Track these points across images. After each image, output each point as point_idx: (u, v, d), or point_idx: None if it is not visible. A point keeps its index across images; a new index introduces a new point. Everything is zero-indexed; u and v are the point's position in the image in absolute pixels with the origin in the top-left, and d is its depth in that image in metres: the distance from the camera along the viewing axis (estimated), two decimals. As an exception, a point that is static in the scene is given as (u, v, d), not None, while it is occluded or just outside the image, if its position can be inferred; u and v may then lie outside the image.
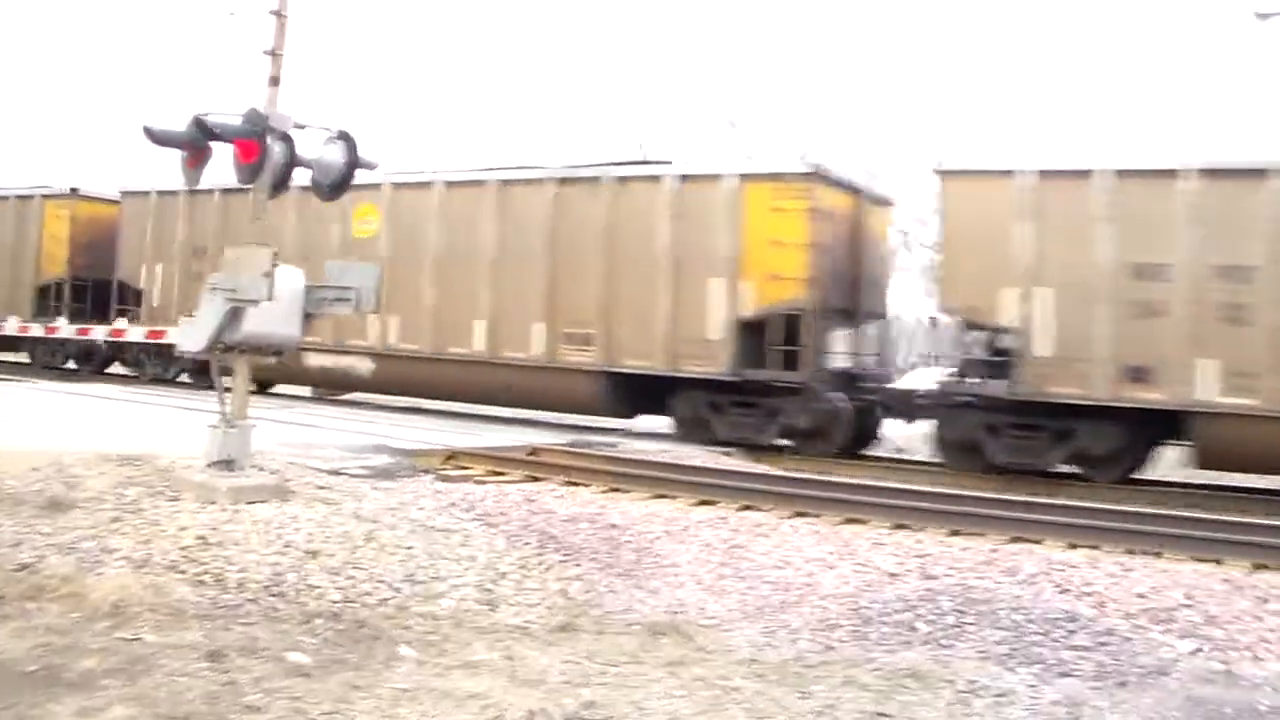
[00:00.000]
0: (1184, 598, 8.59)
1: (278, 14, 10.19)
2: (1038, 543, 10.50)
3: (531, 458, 14.74)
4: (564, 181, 20.60)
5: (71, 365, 27.55)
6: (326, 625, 7.12)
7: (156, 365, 25.38)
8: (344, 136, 10.23)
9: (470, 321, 21.17)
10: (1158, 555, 10.07)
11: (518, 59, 74.10)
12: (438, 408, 23.13)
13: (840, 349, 19.76)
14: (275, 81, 10.09)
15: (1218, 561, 9.87)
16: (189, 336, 9.95)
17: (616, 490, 12.89)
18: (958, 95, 63.62)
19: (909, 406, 18.69)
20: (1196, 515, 12.00)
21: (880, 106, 59.16)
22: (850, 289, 19.61)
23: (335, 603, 7.61)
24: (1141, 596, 8.64)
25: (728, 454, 17.32)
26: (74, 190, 27.60)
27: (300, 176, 10.48)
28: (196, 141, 9.86)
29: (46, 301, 27.31)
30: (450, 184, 21.94)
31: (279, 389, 24.15)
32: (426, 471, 12.96)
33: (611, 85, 66.17)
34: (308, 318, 10.12)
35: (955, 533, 10.93)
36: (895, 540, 10.53)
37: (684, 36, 72.53)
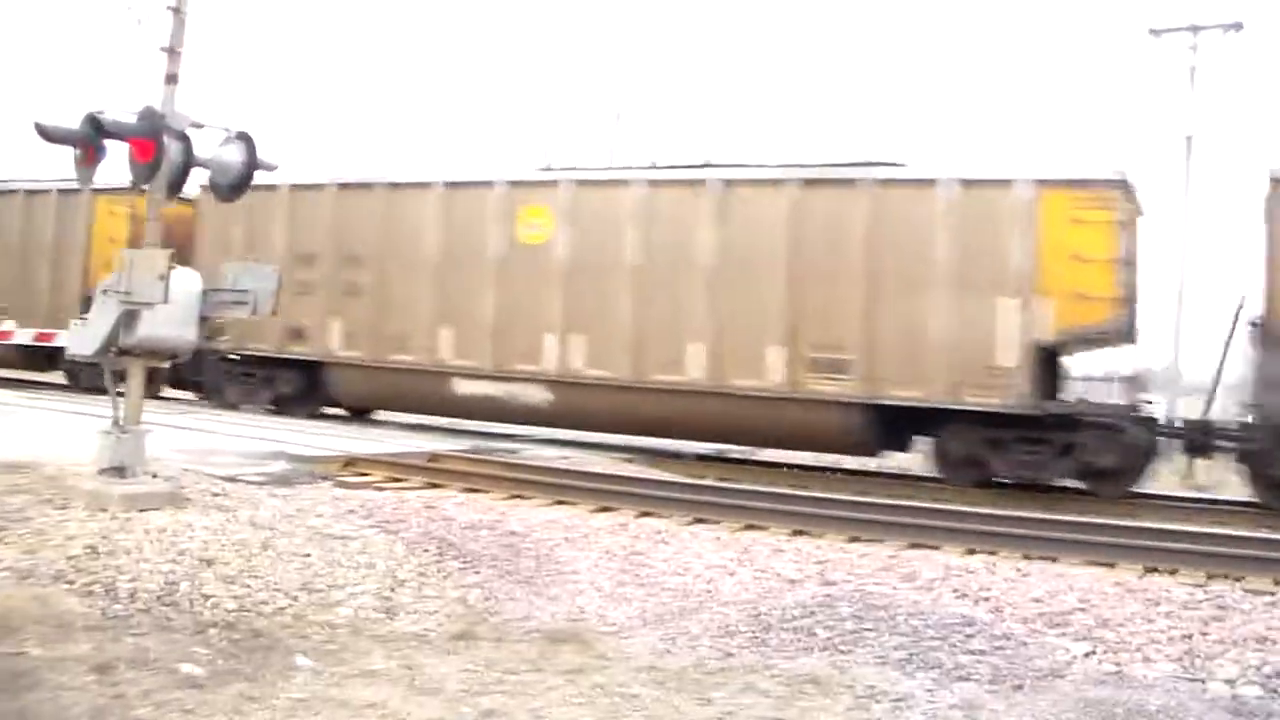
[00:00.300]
0: (1078, 602, 8.77)
1: (175, 10, 10.01)
2: (936, 549, 10.65)
3: (431, 464, 14.64)
4: (809, 183, 17.99)
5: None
6: (221, 635, 7.00)
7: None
8: (243, 137, 10.09)
9: (683, 343, 18.43)
10: (1053, 560, 10.26)
11: (406, 58, 73.76)
12: (335, 413, 22.92)
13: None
14: (172, 79, 9.90)
15: (1111, 566, 10.08)
16: (81, 340, 9.75)
17: (517, 497, 12.85)
18: (848, 92, 64.44)
19: (1205, 439, 16.91)
20: (1091, 520, 12.24)
21: (767, 103, 59.69)
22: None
23: (230, 612, 7.48)
24: (1037, 601, 8.80)
25: (628, 460, 17.34)
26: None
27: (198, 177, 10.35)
28: (90, 139, 9.66)
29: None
30: (654, 183, 19.22)
31: (171, 393, 23.50)
32: (325, 478, 12.81)
33: (496, 78, 66.16)
34: (204, 321, 9.95)
35: (854, 539, 11.04)
36: (795, 546, 10.62)
37: (571, 30, 72.72)
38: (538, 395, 19.63)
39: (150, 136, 9.63)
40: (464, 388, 20.18)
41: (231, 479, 11.33)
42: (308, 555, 8.80)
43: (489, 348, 19.86)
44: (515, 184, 20.33)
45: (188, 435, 14.98)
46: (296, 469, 13.07)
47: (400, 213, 21.20)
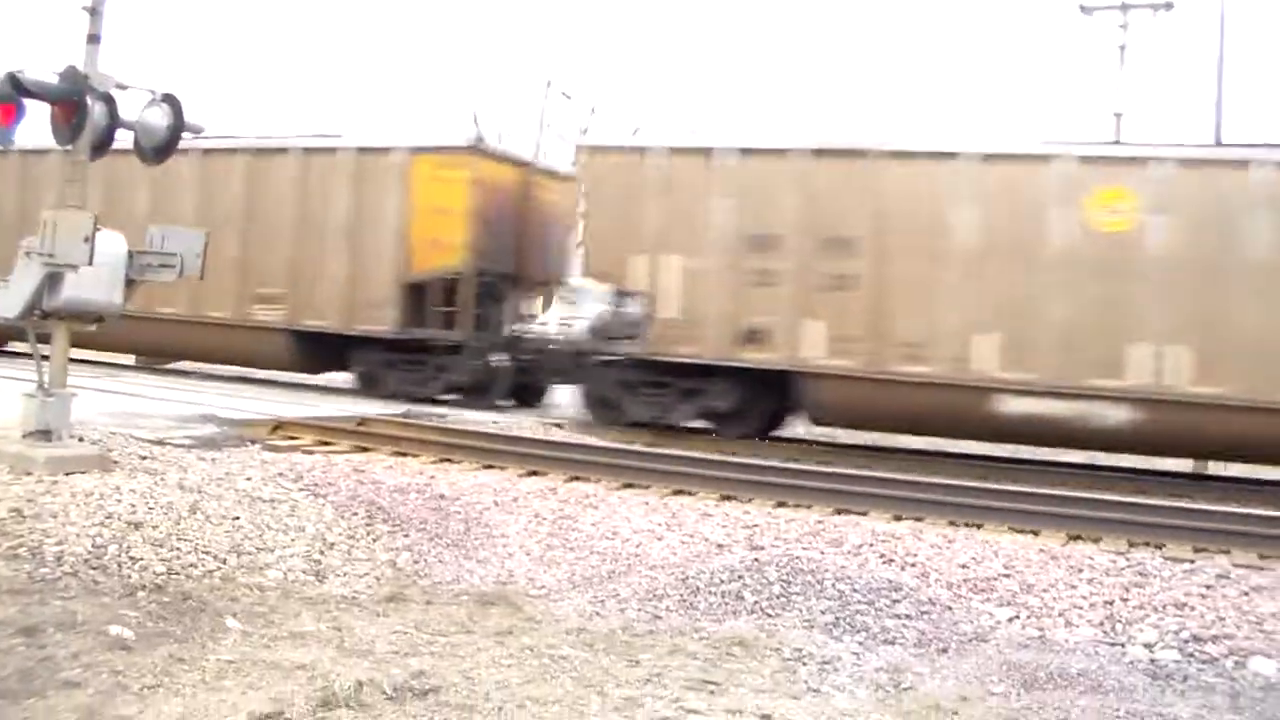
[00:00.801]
0: (1003, 568, 8.98)
1: (97, -30, 9.87)
2: (863, 515, 10.81)
3: (360, 428, 14.61)
4: None
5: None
6: (150, 598, 6.98)
7: None
8: (169, 99, 9.98)
9: None
10: (979, 527, 10.47)
11: (348, 30, 72.89)
12: (265, 377, 22.75)
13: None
14: (95, 40, 9.76)
15: (1035, 533, 10.31)
16: (3, 303, 9.62)
17: (446, 461, 12.89)
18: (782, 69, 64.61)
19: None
20: (1017, 489, 12.47)
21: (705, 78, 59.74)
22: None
23: (159, 575, 7.45)
24: (963, 567, 8.99)
25: (558, 425, 17.39)
26: (477, 144, 20.29)
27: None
28: (9, 98, 9.50)
29: (422, 304, 20.26)
30: None
31: (101, 356, 23.07)
32: (253, 442, 12.76)
33: (441, 55, 65.58)
34: (130, 284, 9.85)
35: (782, 504, 11.19)
36: (723, 511, 10.74)
37: (513, 8, 72.15)
38: (1118, 416, 16.15)
39: (73, 98, 9.51)
40: (1011, 406, 16.66)
41: (159, 442, 11.26)
42: (236, 518, 8.78)
43: (1050, 358, 16.24)
44: (1086, 160, 16.64)
45: (115, 399, 14.83)
46: (225, 432, 13.00)
47: (909, 188, 17.05)
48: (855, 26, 69.54)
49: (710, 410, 18.37)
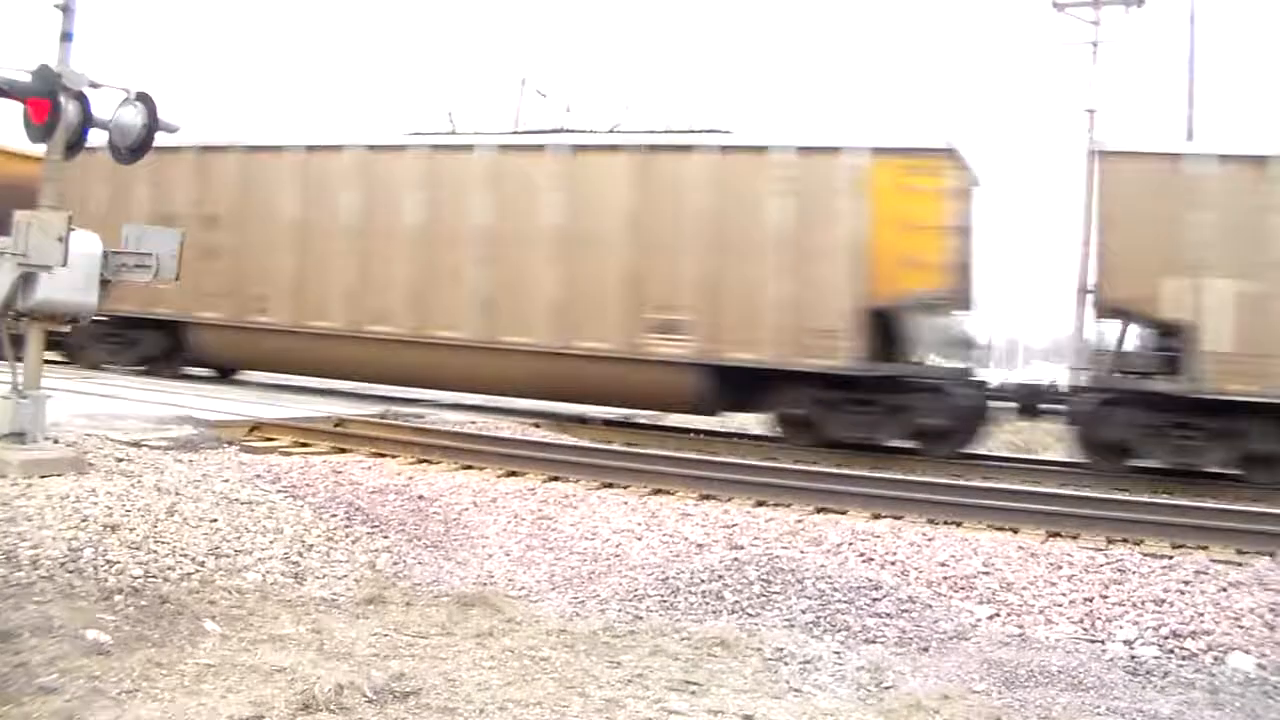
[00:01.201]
0: (983, 565, 8.99)
1: (69, -35, 9.79)
2: (842, 513, 10.82)
3: (338, 429, 14.57)
4: None
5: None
6: (127, 602, 6.93)
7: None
8: (143, 98, 9.91)
9: None
10: (958, 525, 10.48)
11: (322, 27, 72.74)
12: (244, 378, 22.65)
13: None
14: (67, 38, 9.68)
15: (1014, 530, 10.32)
16: (-28, 303, 9.54)
17: (424, 461, 12.86)
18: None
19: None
20: (995, 486, 12.50)
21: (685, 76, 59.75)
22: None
23: (136, 578, 7.39)
24: (943, 565, 9.00)
25: (536, 425, 17.36)
26: (949, 148, 16.65)
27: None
28: (-19, 96, 9.45)
29: (883, 334, 17.20)
30: None
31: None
32: (230, 443, 12.68)
33: (416, 53, 65.49)
34: (105, 284, 9.79)
35: (761, 503, 11.19)
36: (702, 511, 10.73)
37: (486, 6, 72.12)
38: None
39: (45, 96, 9.43)
40: None
41: (136, 444, 11.18)
42: (214, 521, 8.72)
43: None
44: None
45: (90, 400, 14.73)
46: (202, 434, 12.91)
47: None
48: (833, 21, 69.72)
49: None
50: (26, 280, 9.17)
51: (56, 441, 9.79)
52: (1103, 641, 7.59)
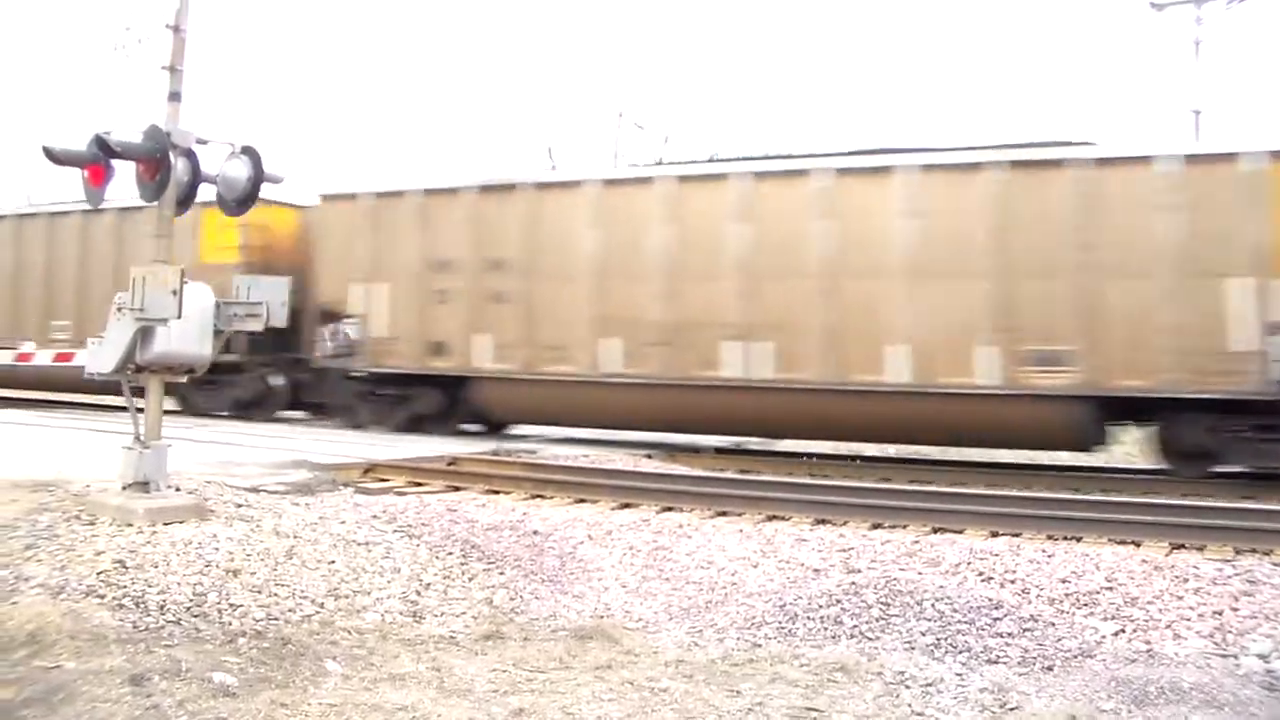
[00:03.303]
0: (1105, 580, 8.76)
1: (175, 29, 10.05)
2: (959, 532, 10.66)
3: (451, 468, 14.70)
4: None
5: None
6: (250, 644, 7.04)
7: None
8: (248, 151, 10.12)
9: None
10: (1078, 540, 10.27)
11: (415, 68, 73.87)
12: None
13: None
14: (175, 97, 9.94)
15: (1136, 544, 10.07)
16: (99, 358, 9.78)
17: (538, 497, 12.90)
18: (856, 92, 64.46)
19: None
20: (1115, 499, 12.22)
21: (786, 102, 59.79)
22: None
23: (259, 621, 7.52)
24: (1064, 581, 8.79)
25: (648, 456, 17.37)
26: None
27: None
28: (98, 160, 9.72)
29: None
30: None
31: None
32: (346, 485, 12.87)
33: (514, 90, 66.28)
34: (218, 334, 10.00)
35: (877, 526, 11.06)
36: (818, 536, 10.62)
37: (571, 29, 72.77)
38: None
39: (156, 155, 9.68)
40: None
41: (254, 489, 11.38)
42: (332, 562, 8.84)
43: None
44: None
45: (208, 448, 15.04)
46: (317, 477, 13.11)
47: None
48: (921, 36, 69.26)
49: None
50: (144, 334, 9.39)
51: (178, 489, 10.00)
52: (1235, 656, 7.35)
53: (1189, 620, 7.99)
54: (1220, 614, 8.05)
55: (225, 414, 22.56)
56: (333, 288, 21.49)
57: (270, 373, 22.73)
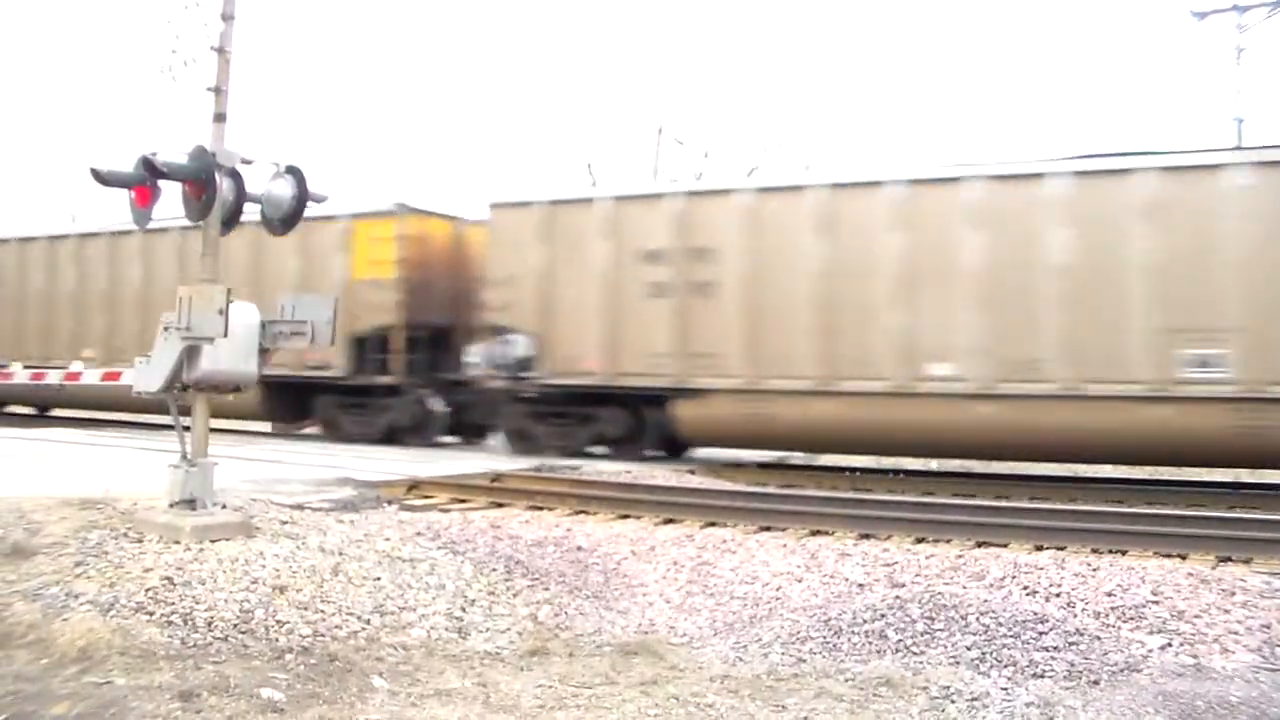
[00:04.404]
0: (1151, 594, 8.68)
1: (220, 51, 10.16)
2: (1004, 546, 10.61)
3: (495, 484, 14.73)
4: None
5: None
6: (298, 660, 7.09)
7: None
8: (292, 171, 10.21)
9: None
10: (1123, 553, 10.21)
11: (456, 83, 74.21)
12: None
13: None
14: (220, 118, 10.04)
15: (1183, 556, 10.00)
16: (145, 377, 9.87)
17: (581, 513, 12.93)
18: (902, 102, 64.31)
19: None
20: (1159, 512, 12.12)
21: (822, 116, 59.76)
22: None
23: (305, 637, 7.57)
24: (1109, 595, 8.72)
25: (691, 472, 17.36)
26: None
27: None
28: (145, 181, 9.82)
29: None
30: None
31: (232, 424, 23.55)
32: (390, 502, 12.92)
33: (553, 106, 66.50)
34: (264, 352, 10.06)
35: (921, 540, 11.02)
36: (862, 550, 10.59)
37: (608, 45, 72.90)
38: None
39: (202, 175, 9.78)
40: None
41: (299, 506, 11.45)
42: (378, 579, 8.88)
43: None
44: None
45: (254, 466, 15.14)
46: (362, 494, 13.18)
47: None
48: (958, 45, 69.04)
49: None
50: (190, 353, 9.47)
51: (224, 507, 10.06)
52: (1286, 670, 7.28)
53: (1237, 634, 7.91)
54: (1268, 627, 7.98)
55: (377, 441, 21.53)
56: (503, 299, 20.14)
57: (428, 395, 21.68)
